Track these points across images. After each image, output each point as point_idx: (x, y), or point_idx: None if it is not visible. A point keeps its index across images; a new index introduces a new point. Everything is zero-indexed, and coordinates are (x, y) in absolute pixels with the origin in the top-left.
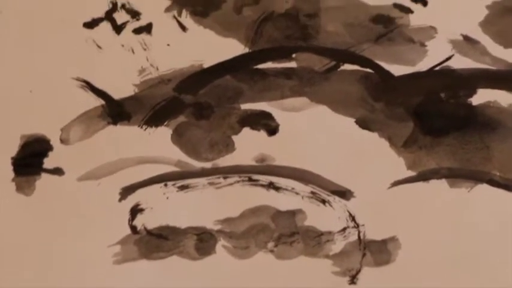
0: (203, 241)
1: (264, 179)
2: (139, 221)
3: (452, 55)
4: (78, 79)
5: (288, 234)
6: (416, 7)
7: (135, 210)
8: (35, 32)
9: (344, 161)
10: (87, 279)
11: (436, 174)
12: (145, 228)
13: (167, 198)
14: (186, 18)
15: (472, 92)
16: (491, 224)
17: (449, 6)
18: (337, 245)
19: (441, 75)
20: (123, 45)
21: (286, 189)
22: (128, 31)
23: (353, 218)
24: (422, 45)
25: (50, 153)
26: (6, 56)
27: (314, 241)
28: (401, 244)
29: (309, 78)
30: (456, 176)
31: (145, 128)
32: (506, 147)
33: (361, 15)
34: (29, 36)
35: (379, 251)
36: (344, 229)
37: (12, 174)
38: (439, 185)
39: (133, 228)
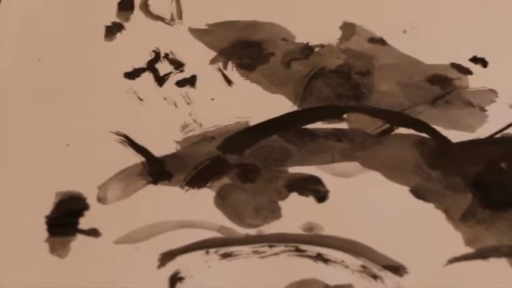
0: None
1: (312, 249)
2: None
3: None
4: (117, 133)
5: None
6: (475, 68)
7: (175, 279)
8: (74, 82)
9: (397, 233)
10: None
11: (496, 252)
12: None
13: (209, 266)
14: (232, 71)
15: None
16: None
17: (511, 67)
18: None
19: (502, 143)
20: (165, 98)
21: (336, 262)
22: (170, 83)
23: None
24: (482, 109)
25: (86, 213)
26: (42, 106)
27: None
28: None
29: (361, 141)
30: None
31: (187, 189)
32: None
33: (416, 75)
34: (67, 85)
35: None
36: None
37: (46, 235)
38: (500, 264)
39: None
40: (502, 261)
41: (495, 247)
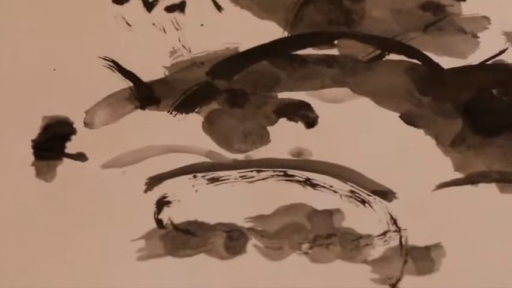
0: (233, 239)
1: (300, 174)
2: (165, 215)
3: (507, 48)
4: (105, 58)
5: (324, 235)
6: None
7: (162, 203)
8: (62, 6)
9: (387, 159)
10: (108, 276)
11: (485, 177)
12: (171, 223)
13: (196, 191)
14: None
15: None
16: None
17: None
18: (377, 250)
19: (494, 70)
20: (154, 24)
21: (324, 187)
22: (159, 8)
23: (394, 221)
24: (474, 36)
25: (73, 137)
26: (29, 31)
27: (352, 244)
28: (446, 252)
29: (352, 67)
30: (507, 180)
31: (175, 114)
32: None
33: (409, 1)
34: (54, 10)
35: (421, 258)
36: (384, 233)
37: (32, 158)
38: (489, 190)
39: (159, 222)
40: (491, 187)
41: (484, 172)
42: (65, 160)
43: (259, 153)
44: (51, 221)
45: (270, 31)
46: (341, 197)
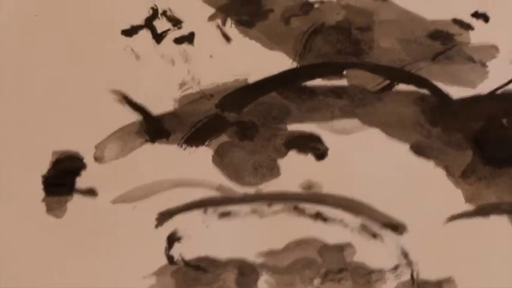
0: (244, 275)
1: (311, 208)
2: (176, 250)
3: None
4: (114, 92)
5: (335, 270)
6: (477, 23)
7: (173, 238)
8: (70, 39)
9: (397, 191)
10: None
11: (496, 209)
12: (182, 259)
13: (207, 226)
14: (231, 28)
15: None
16: None
17: None
18: (388, 285)
19: (503, 99)
20: (163, 56)
21: (335, 221)
22: (168, 40)
23: (406, 255)
24: (483, 65)
25: (83, 172)
26: (40, 64)
27: (364, 279)
28: (458, 286)
29: (361, 98)
30: None
31: (185, 148)
32: None
33: (417, 31)
34: (64, 43)
35: None
36: (396, 267)
37: (42, 194)
38: (500, 221)
39: (170, 258)
40: (503, 219)
41: (495, 204)
42: (75, 195)
43: (270, 186)
44: (62, 257)
45: (279, 62)
46: (352, 231)
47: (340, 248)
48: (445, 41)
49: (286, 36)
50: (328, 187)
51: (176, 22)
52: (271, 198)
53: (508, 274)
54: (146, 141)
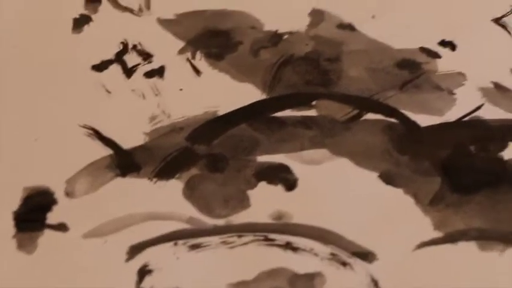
0: None
1: (281, 238)
2: (147, 284)
3: (483, 104)
4: (85, 126)
5: None
6: (444, 51)
7: (143, 272)
8: (40, 75)
9: (366, 220)
10: None
11: (464, 235)
12: None
13: (177, 258)
14: (200, 61)
15: (504, 146)
16: None
17: (479, 50)
18: None
19: (470, 127)
20: (133, 90)
21: (305, 250)
22: (138, 75)
23: (376, 283)
24: (451, 93)
25: (54, 207)
26: (8, 100)
27: None
28: None
29: (330, 128)
30: (487, 238)
31: (156, 181)
32: None
33: (385, 60)
34: (33, 79)
35: None
36: None
37: (13, 231)
38: (468, 248)
39: None
40: (471, 245)
41: (464, 231)
42: (46, 231)
43: (240, 217)
44: None
45: (249, 94)
46: (322, 260)
47: (311, 277)
48: (412, 70)
49: (255, 68)
50: (298, 217)
51: (146, 56)
52: (242, 230)
53: None
54: (117, 175)
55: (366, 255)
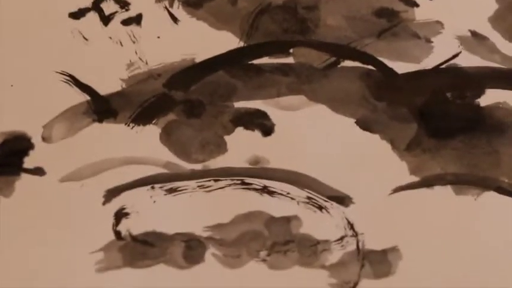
0: (191, 249)
1: (258, 182)
2: (124, 226)
3: (460, 52)
4: (62, 73)
5: (282, 242)
6: (422, 0)
7: (120, 214)
8: (18, 22)
9: (343, 165)
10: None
11: (440, 180)
12: (130, 234)
13: (154, 202)
14: (178, 9)
15: (480, 92)
16: (498, 233)
17: None
18: (334, 255)
19: (447, 74)
20: (110, 37)
21: (281, 194)
22: (116, 22)
23: (351, 226)
24: (428, 41)
25: (31, 152)
26: None
27: (310, 250)
28: (403, 255)
29: (307, 75)
30: (462, 182)
31: (133, 127)
32: None
33: (363, 8)
34: (10, 27)
35: (378, 262)
36: (342, 238)
37: None
38: (444, 192)
39: (118, 234)
40: (447, 189)
41: (440, 175)
42: (23, 175)
43: (217, 162)
44: (10, 235)
45: (226, 41)
46: (298, 204)
47: (287, 221)
48: (390, 18)
49: (233, 17)
50: (275, 162)
51: (123, 4)
52: (218, 174)
53: (451, 242)
54: (94, 120)
55: (342, 199)
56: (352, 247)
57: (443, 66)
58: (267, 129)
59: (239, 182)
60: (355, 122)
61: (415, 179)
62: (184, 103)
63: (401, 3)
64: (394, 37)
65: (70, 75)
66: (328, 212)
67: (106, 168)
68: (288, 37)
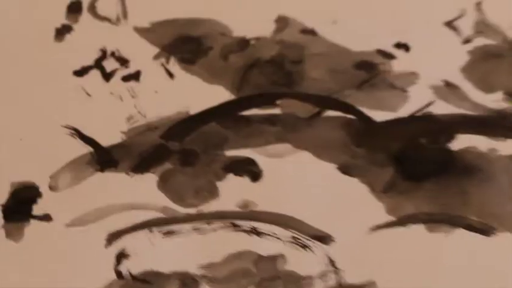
0: (186, 286)
1: (247, 224)
2: (124, 266)
3: (433, 101)
4: (67, 127)
5: (269, 278)
6: (398, 53)
7: (121, 256)
8: (26, 80)
9: (325, 206)
10: None
11: (415, 219)
12: (130, 274)
13: (152, 244)
14: (174, 66)
15: (451, 137)
16: (468, 267)
17: (431, 51)
18: None
19: (422, 121)
20: (112, 93)
21: (268, 235)
22: (116, 79)
23: (333, 263)
24: (404, 91)
25: (39, 200)
26: None
27: (295, 285)
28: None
29: (293, 124)
30: (435, 221)
31: (132, 175)
32: (483, 192)
33: (344, 62)
34: (20, 84)
35: None
36: (324, 273)
37: (2, 222)
38: (418, 230)
39: (119, 273)
40: (420, 227)
41: (414, 215)
42: (32, 221)
43: (210, 206)
44: (21, 278)
45: (219, 95)
46: (284, 243)
47: (273, 259)
48: (369, 70)
49: (225, 71)
50: (263, 205)
51: (124, 62)
52: (211, 217)
53: (425, 276)
54: (96, 170)
55: (324, 238)
56: (333, 282)
57: (418, 114)
58: (256, 176)
59: (230, 224)
60: (337, 168)
61: (391, 218)
62: (179, 153)
63: (380, 56)
64: (373, 88)
65: (74, 129)
66: (312, 250)
67: (108, 213)
68: (275, 89)
